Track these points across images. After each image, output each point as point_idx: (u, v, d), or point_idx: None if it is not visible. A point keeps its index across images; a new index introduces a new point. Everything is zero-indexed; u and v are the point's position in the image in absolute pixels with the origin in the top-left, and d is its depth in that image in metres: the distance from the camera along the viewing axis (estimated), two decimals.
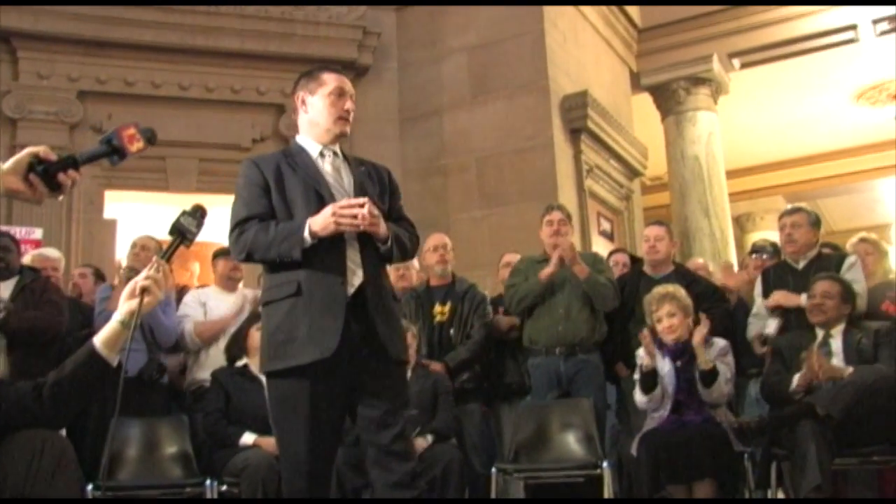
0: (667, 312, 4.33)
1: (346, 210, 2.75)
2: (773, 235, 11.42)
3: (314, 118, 3.01)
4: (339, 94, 2.99)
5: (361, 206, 2.75)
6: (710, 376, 4.14)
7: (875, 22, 8.72)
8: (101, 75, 7.11)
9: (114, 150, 2.16)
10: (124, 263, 5.34)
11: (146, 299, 2.13)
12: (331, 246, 2.82)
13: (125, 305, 2.14)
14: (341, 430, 2.95)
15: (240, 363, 4.61)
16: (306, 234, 2.76)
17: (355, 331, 2.80)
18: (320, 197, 2.88)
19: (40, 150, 2.03)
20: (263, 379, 4.47)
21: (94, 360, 2.11)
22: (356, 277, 2.85)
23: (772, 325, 4.72)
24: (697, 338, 4.20)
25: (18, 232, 5.83)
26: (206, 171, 7.36)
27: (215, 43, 7.32)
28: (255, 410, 4.42)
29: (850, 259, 4.70)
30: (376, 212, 2.83)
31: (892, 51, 9.22)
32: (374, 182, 3.06)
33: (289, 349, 2.78)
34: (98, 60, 7.11)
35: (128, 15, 7.07)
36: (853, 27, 8.84)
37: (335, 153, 3.03)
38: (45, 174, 2.00)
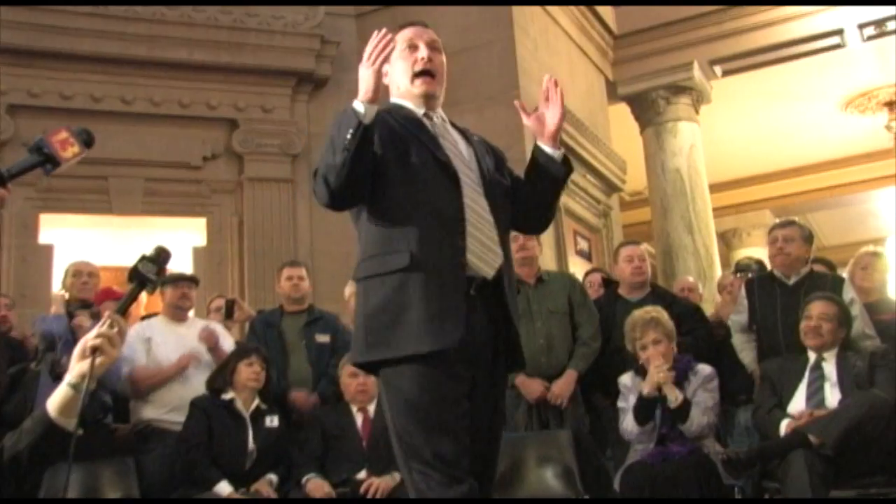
0: (652, 340, 4.32)
1: (375, 44, 2.40)
2: (761, 252, 11.55)
3: (396, 82, 2.72)
4: (411, 45, 2.69)
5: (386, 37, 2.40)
6: (682, 412, 4.14)
7: (861, 27, 8.82)
8: (34, 88, 6.97)
9: (46, 159, 2.04)
10: (57, 290, 5.27)
11: (98, 360, 2.05)
12: (452, 211, 2.50)
13: (76, 367, 2.07)
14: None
15: (225, 396, 4.59)
16: (355, 102, 2.39)
17: (482, 322, 2.48)
18: (435, 158, 2.55)
19: None
20: (247, 416, 4.58)
21: (52, 431, 2.06)
22: (495, 258, 2.52)
23: (747, 356, 4.77)
24: (662, 376, 4.20)
25: None
26: (153, 192, 7.28)
27: (161, 53, 7.24)
28: (235, 454, 4.43)
29: (847, 284, 4.74)
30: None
31: (879, 56, 9.38)
32: (491, 156, 2.74)
33: (395, 335, 2.41)
34: (30, 72, 6.98)
35: (63, 22, 6.95)
36: (839, 32, 8.94)
37: (443, 119, 2.72)
38: None
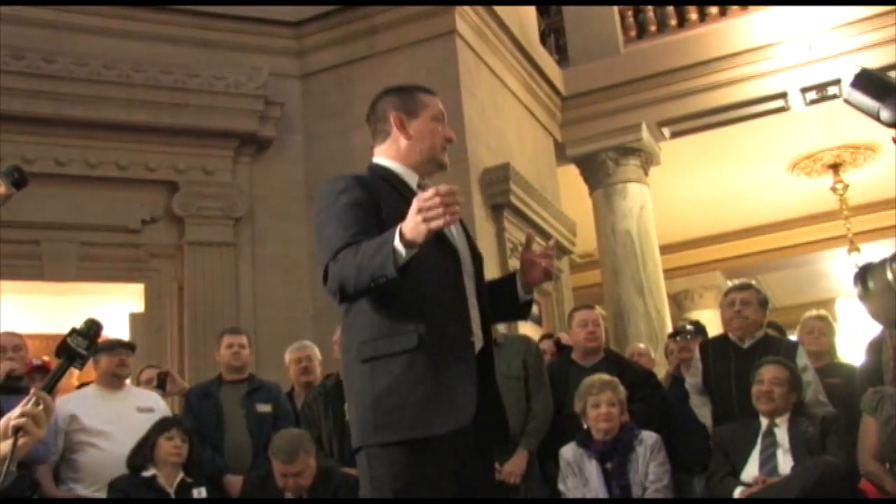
0: (607, 400, 4.36)
1: (430, 201, 2.30)
2: (713, 314, 11.69)
3: (415, 144, 2.73)
4: (442, 118, 2.80)
5: (452, 193, 2.32)
6: None
7: (804, 90, 9.08)
8: None
9: None
10: None
11: (21, 440, 2.00)
12: (452, 286, 2.59)
13: None
14: None
15: (146, 473, 4.53)
16: (397, 241, 2.33)
17: (481, 399, 2.51)
18: (440, 239, 2.55)
19: None
20: (172, 492, 4.49)
21: None
22: (477, 339, 2.61)
23: (706, 417, 4.80)
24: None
25: None
26: (88, 257, 7.16)
27: (98, 114, 7.16)
28: None
29: (801, 350, 4.80)
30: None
31: (823, 120, 9.64)
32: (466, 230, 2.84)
33: (409, 416, 2.44)
34: None
35: None
36: (783, 95, 9.18)
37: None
38: None
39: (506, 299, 2.79)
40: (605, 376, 4.54)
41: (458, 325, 2.55)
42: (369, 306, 2.55)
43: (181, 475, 4.60)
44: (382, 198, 2.58)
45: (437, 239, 2.50)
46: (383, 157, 2.78)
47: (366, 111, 2.93)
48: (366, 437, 2.50)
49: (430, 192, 2.32)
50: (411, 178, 2.72)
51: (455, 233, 2.70)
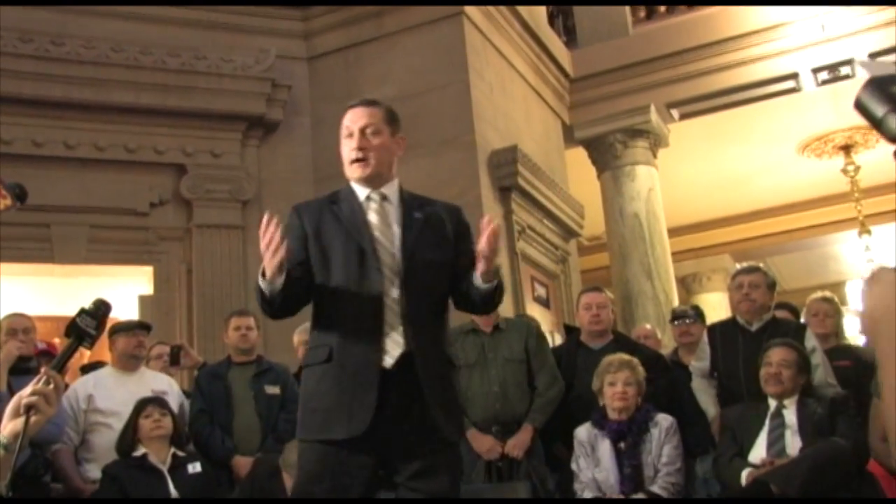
0: (623, 379, 4.38)
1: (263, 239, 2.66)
2: (721, 297, 11.68)
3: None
4: (347, 133, 2.98)
5: (267, 223, 2.66)
6: None
7: (815, 71, 9.01)
8: None
9: None
10: None
11: (33, 418, 2.05)
12: (369, 302, 2.80)
13: (8, 426, 2.06)
14: None
15: (136, 453, 4.55)
16: (259, 278, 2.73)
17: (397, 406, 2.76)
18: (360, 249, 2.84)
19: None
20: (165, 469, 4.52)
21: None
22: (395, 347, 2.79)
23: (707, 401, 4.82)
24: None
25: None
26: (98, 240, 7.20)
27: (107, 97, 7.19)
28: None
29: (809, 332, 4.81)
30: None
31: (834, 101, 9.55)
32: (435, 228, 2.97)
33: (318, 421, 2.79)
34: None
35: (4, 65, 6.86)
36: (794, 76, 9.13)
37: (384, 197, 2.96)
38: None
39: (472, 294, 2.91)
40: (625, 356, 4.54)
41: (368, 342, 2.78)
42: (311, 319, 2.94)
43: (171, 450, 4.62)
44: (316, 218, 2.91)
45: (361, 257, 2.81)
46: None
47: (373, 93, 3.06)
48: (297, 431, 2.92)
49: (269, 230, 2.64)
50: (362, 193, 2.97)
51: (395, 235, 2.90)
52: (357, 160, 2.92)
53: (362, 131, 2.94)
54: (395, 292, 2.82)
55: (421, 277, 2.87)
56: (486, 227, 2.73)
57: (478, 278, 2.83)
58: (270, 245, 2.64)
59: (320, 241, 2.86)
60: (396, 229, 2.91)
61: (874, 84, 1.52)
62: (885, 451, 4.17)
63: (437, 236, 2.95)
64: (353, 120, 2.96)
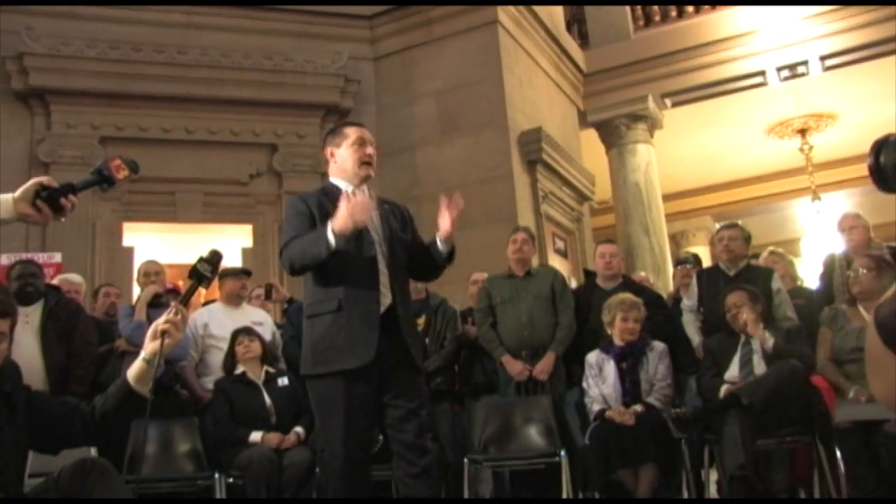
0: (634, 317, 4.38)
1: (358, 205, 2.74)
2: (704, 250, 11.58)
3: (342, 165, 3.10)
4: (361, 143, 3.08)
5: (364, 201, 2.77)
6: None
7: (778, 69, 9.05)
8: (120, 123, 7.10)
9: (104, 179, 2.16)
10: (136, 287, 5.29)
11: (167, 341, 2.15)
12: (366, 266, 2.93)
13: (149, 346, 2.16)
14: (373, 429, 3.02)
15: (237, 371, 4.60)
16: (329, 234, 2.77)
17: (386, 343, 2.88)
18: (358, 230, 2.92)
19: (44, 179, 2.05)
20: (260, 383, 4.58)
21: (132, 396, 2.16)
22: (385, 299, 2.93)
23: (693, 331, 4.81)
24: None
25: (39, 257, 5.72)
26: (210, 203, 7.35)
27: (217, 92, 7.31)
28: (257, 411, 4.44)
29: (776, 275, 4.79)
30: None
31: (793, 93, 9.61)
32: (397, 218, 3.15)
33: (331, 356, 2.86)
34: (117, 110, 7.11)
35: (142, 70, 7.10)
36: (762, 73, 9.11)
37: (363, 192, 3.03)
38: (50, 199, 2.02)
39: (433, 254, 3.06)
40: (634, 297, 4.51)
41: (368, 292, 2.91)
42: (312, 278, 2.98)
43: (265, 368, 4.63)
44: (317, 206, 3.00)
45: (357, 232, 2.86)
46: (330, 176, 3.18)
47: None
48: (306, 369, 2.96)
49: (358, 198, 2.75)
50: (347, 187, 3.03)
51: (375, 217, 3.02)
52: (369, 163, 3.08)
53: (371, 143, 3.12)
54: (382, 260, 2.97)
55: (397, 250, 3.04)
56: (450, 203, 2.97)
57: (442, 243, 3.02)
58: (358, 205, 2.74)
59: (324, 220, 2.91)
60: (375, 213, 3.04)
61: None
62: (831, 369, 4.16)
63: (400, 223, 3.14)
64: (366, 136, 3.11)
